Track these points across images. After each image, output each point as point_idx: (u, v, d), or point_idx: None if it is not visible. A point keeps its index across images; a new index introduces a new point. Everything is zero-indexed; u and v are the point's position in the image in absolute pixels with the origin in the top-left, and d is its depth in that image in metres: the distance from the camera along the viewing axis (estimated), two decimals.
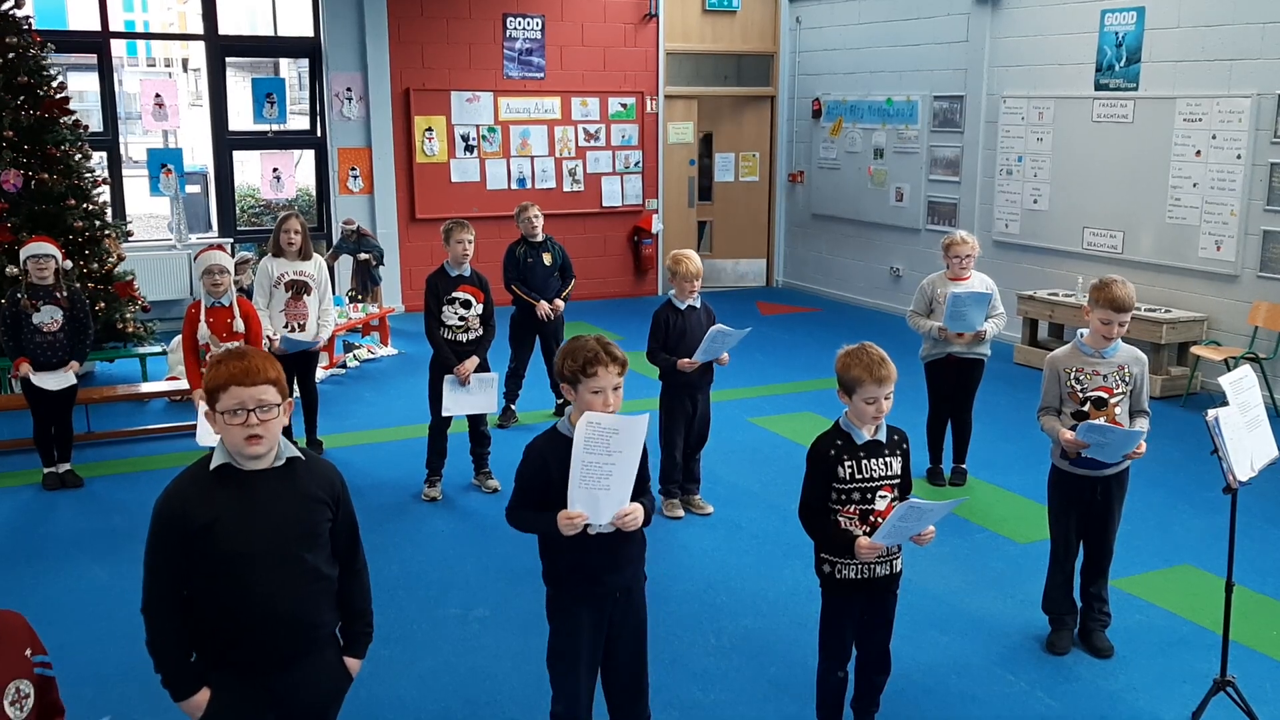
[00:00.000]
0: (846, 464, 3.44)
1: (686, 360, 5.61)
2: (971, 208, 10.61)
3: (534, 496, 3.18)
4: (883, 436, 3.50)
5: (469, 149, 11.47)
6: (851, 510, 3.46)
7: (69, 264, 6.86)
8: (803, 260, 13.10)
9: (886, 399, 3.42)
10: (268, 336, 6.47)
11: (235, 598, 2.62)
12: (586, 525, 3.09)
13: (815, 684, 3.75)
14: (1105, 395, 4.24)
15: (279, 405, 2.62)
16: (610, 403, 3.14)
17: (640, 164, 12.33)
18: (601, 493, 3.07)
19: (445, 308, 6.08)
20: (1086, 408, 4.25)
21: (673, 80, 12.41)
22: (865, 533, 3.43)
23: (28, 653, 2.28)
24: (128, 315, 8.49)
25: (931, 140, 11.04)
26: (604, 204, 12.23)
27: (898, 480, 3.51)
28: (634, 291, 12.56)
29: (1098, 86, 9.26)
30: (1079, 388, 4.27)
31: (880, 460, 3.47)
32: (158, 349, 8.50)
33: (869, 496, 3.46)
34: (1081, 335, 4.34)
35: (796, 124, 12.91)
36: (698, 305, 5.82)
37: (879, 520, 3.42)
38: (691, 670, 4.30)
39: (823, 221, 12.67)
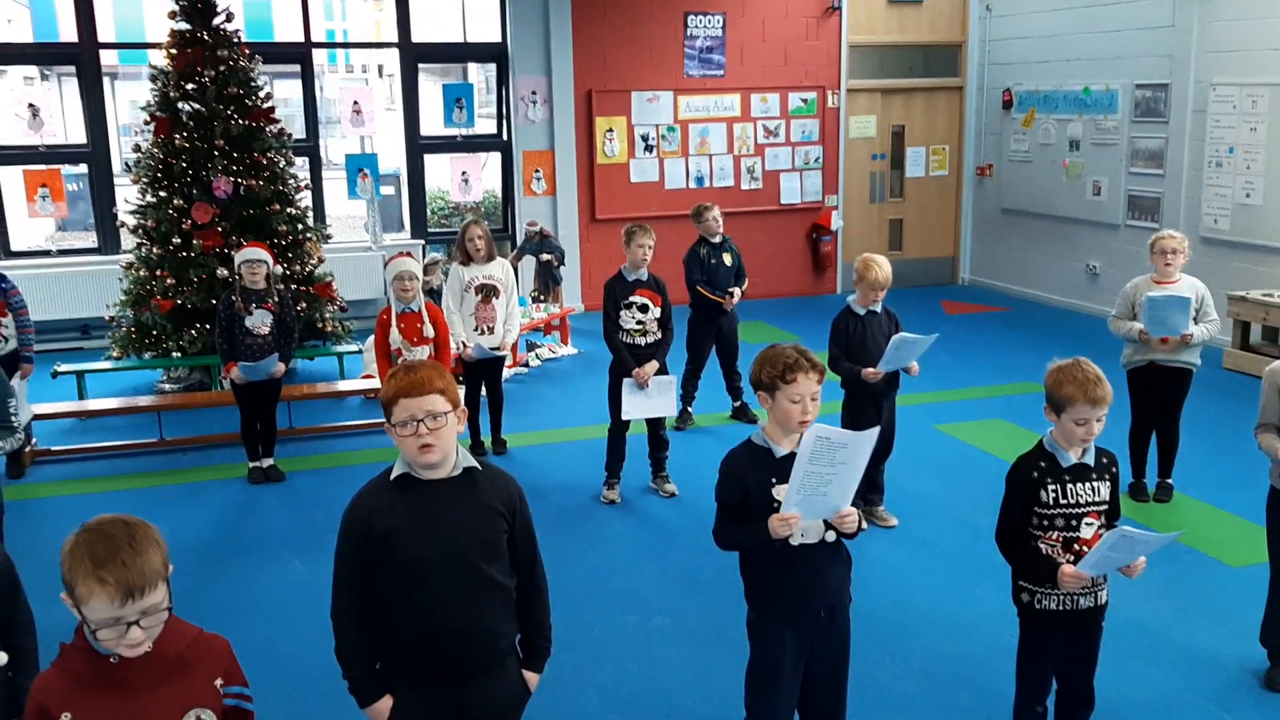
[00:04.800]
0: (1050, 488, 3.25)
1: (871, 370, 5.44)
2: (1176, 202, 9.98)
3: (736, 511, 3.14)
4: (1091, 459, 3.29)
5: (648, 149, 11.52)
6: (1054, 537, 3.27)
7: (279, 269, 7.19)
8: (991, 257, 12.62)
9: (1098, 421, 3.20)
10: (461, 342, 6.64)
11: (415, 606, 2.67)
12: (788, 536, 3.02)
13: (1011, 717, 3.57)
14: None
15: (448, 413, 2.65)
16: (809, 411, 3.08)
17: (820, 160, 12.12)
18: (819, 498, 3.00)
19: (623, 312, 6.10)
20: None
21: (855, 73, 12.14)
22: (1069, 561, 3.24)
23: (218, 682, 2.30)
24: (327, 315, 8.88)
25: (1132, 131, 10.44)
26: (782, 201, 12.08)
27: (1105, 507, 3.30)
28: (812, 290, 12.36)
29: None
30: None
31: (1087, 485, 3.26)
32: (354, 347, 8.86)
33: (1074, 523, 3.26)
34: None
35: (986, 116, 12.44)
36: (879, 310, 5.63)
37: (1084, 549, 3.23)
38: (876, 693, 4.17)
39: (1013, 216, 12.16)
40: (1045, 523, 3.28)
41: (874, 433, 3.03)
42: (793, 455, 3.09)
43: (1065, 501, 3.26)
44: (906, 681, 4.27)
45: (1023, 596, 3.39)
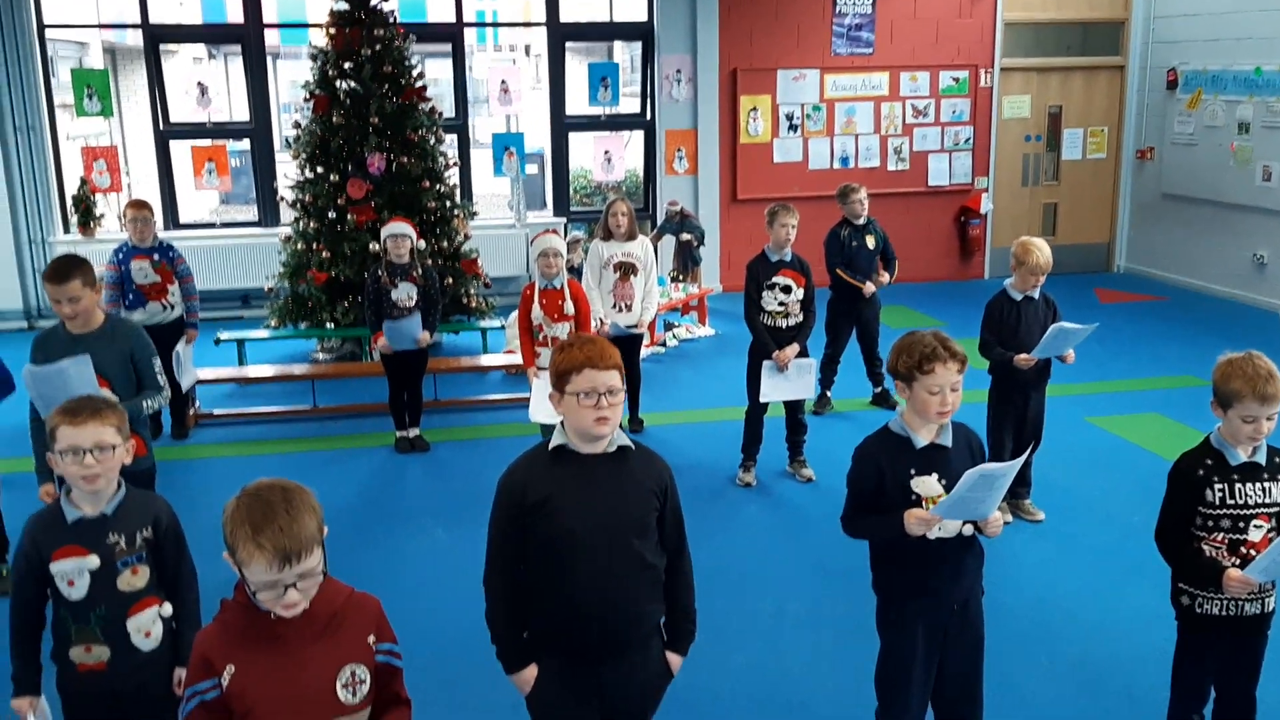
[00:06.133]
0: (1217, 487, 3.09)
1: (1024, 356, 5.27)
2: None
3: (869, 500, 3.08)
4: (1261, 458, 3.11)
5: (793, 128, 11.37)
6: (1219, 539, 3.10)
7: (422, 243, 7.36)
8: (1149, 244, 12.06)
9: (1269, 419, 3.03)
10: (599, 319, 6.70)
11: (563, 577, 2.69)
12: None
13: None
14: None
15: (623, 391, 2.69)
16: (948, 402, 2.99)
17: (971, 141, 11.76)
18: (967, 509, 2.94)
19: (765, 293, 6.04)
20: None
21: (1010, 52, 11.72)
22: (1235, 564, 3.07)
23: (370, 639, 2.36)
24: (471, 291, 9.06)
25: None
26: (930, 183, 11.78)
27: (1277, 509, 3.11)
28: (958, 275, 12.03)
29: None
30: None
31: (1257, 485, 3.09)
32: (497, 323, 9.02)
33: (1241, 525, 3.09)
34: None
35: (1148, 96, 11.87)
36: (1035, 296, 5.44)
37: (1251, 552, 3.05)
38: (1021, 694, 4.05)
39: (1174, 202, 11.58)
40: (1210, 523, 3.11)
41: (1021, 459, 3.16)
42: (933, 446, 3.02)
43: (1233, 502, 3.09)
44: (1051, 683, 4.13)
45: (1182, 600, 3.24)
